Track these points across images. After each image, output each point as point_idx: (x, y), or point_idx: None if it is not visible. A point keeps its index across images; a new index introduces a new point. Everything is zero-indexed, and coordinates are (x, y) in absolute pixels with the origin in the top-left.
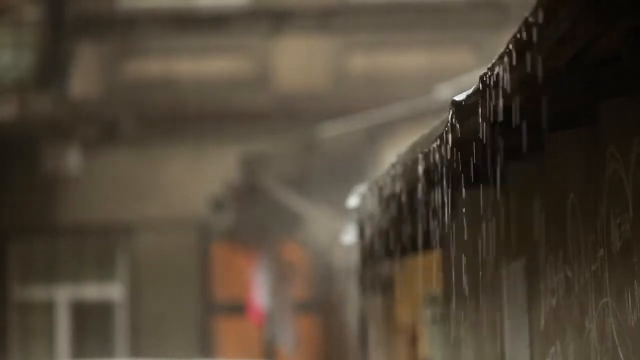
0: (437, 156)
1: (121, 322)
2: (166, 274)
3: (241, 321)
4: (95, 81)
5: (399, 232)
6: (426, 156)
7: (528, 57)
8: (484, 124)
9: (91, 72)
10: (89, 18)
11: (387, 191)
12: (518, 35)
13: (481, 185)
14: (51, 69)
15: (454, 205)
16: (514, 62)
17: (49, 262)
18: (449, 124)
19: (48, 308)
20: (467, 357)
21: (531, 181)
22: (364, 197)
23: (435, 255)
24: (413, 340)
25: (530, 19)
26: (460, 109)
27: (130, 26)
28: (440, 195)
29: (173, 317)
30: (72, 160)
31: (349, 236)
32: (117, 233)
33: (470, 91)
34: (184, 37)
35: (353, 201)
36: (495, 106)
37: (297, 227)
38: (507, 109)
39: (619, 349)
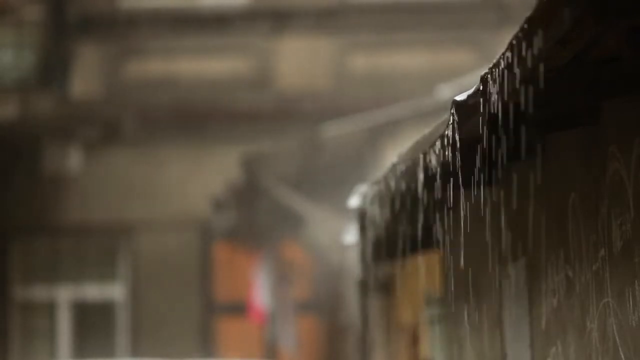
0: (438, 156)
1: (122, 322)
2: (167, 274)
3: (242, 321)
4: (96, 81)
5: (400, 232)
6: (427, 156)
7: (529, 57)
8: (485, 124)
9: (92, 72)
10: (90, 18)
11: (388, 191)
12: (519, 35)
13: (482, 185)
14: (52, 69)
15: (454, 205)
16: (515, 62)
17: (50, 262)
18: (450, 124)
19: (49, 308)
20: (468, 358)
21: (532, 181)
22: (365, 197)
23: (436, 255)
24: (414, 341)
25: (531, 19)
26: (461, 109)
27: (131, 26)
28: (441, 195)
29: (174, 317)
30: (74, 160)
31: (350, 236)
32: (118, 233)
33: (471, 91)
34: (185, 37)
35: (354, 201)
36: (496, 106)
37: (299, 227)
38: (508, 109)
39: (620, 349)
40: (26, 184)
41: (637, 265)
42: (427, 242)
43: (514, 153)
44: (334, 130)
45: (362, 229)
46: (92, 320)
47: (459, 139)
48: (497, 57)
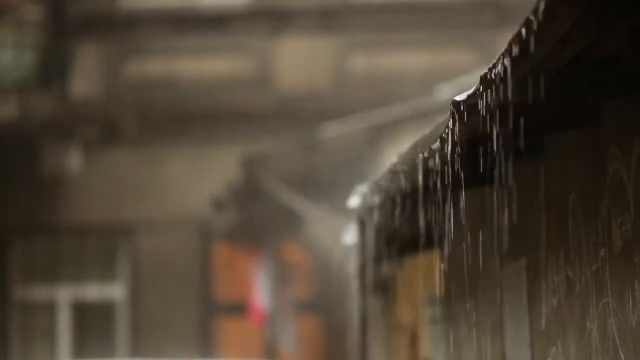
0: (437, 156)
1: (122, 322)
2: (167, 274)
3: (242, 321)
4: (96, 81)
5: (399, 232)
6: (427, 156)
7: (529, 57)
8: (485, 124)
9: (92, 72)
10: (90, 18)
11: (387, 191)
12: (519, 35)
13: (482, 185)
14: (52, 69)
15: (454, 205)
16: (515, 62)
17: (50, 262)
18: (449, 124)
19: (49, 308)
20: (468, 358)
21: (532, 181)
22: (364, 197)
23: (436, 255)
24: (413, 341)
25: (531, 19)
26: (461, 109)
27: (131, 26)
28: (441, 195)
29: (174, 317)
30: (73, 160)
31: (350, 236)
32: (118, 233)
33: (470, 91)
34: (185, 37)
35: (354, 201)
36: (496, 106)
37: (298, 227)
38: (508, 109)
39: (620, 349)
40: (26, 184)
41: (637, 265)
42: (427, 242)
43: (514, 153)
44: (334, 130)
45: (362, 229)
46: (92, 320)
47: (459, 139)
48: (497, 57)
